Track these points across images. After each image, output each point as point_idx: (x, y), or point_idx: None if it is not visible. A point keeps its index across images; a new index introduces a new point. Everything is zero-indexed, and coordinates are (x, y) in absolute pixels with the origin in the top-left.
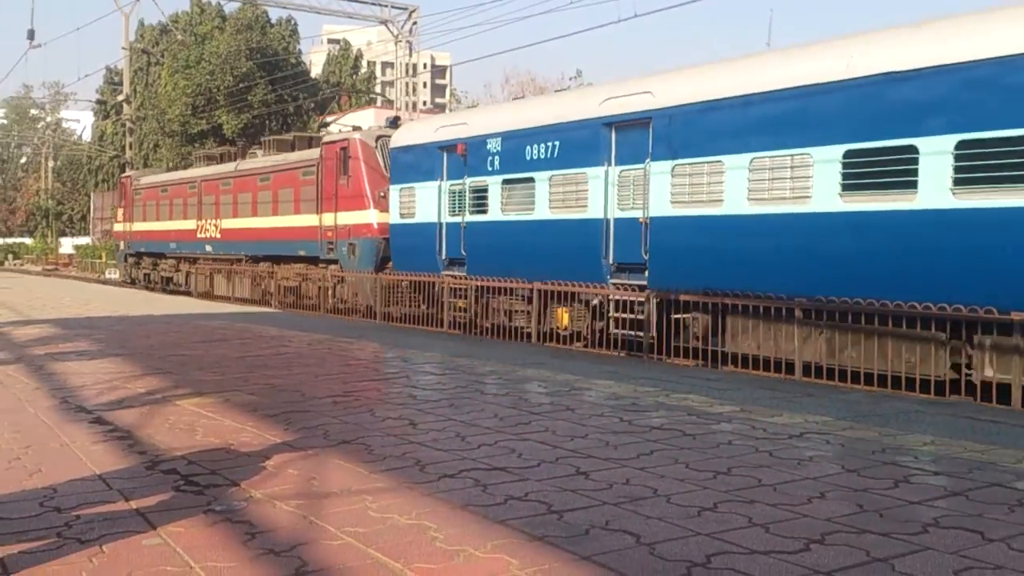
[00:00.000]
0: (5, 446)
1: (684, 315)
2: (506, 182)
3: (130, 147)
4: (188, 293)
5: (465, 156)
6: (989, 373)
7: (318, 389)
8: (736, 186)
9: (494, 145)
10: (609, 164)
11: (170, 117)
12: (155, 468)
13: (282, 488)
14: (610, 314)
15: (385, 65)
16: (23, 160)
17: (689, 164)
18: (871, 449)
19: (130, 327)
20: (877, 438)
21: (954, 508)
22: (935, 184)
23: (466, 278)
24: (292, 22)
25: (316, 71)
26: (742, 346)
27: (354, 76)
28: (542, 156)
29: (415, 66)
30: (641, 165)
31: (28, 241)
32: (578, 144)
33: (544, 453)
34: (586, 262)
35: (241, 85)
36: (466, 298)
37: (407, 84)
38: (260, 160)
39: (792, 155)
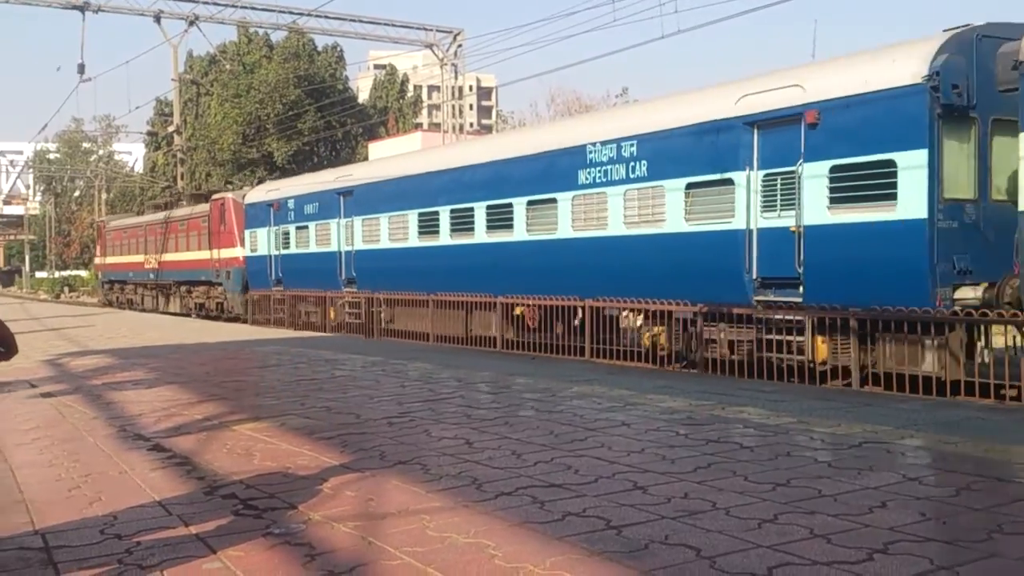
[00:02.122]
0: (65, 475)
1: (378, 308)
2: (297, 227)
3: (181, 177)
4: (145, 310)
5: (279, 210)
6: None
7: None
8: (384, 231)
9: (292, 204)
10: (340, 217)
11: (220, 147)
12: (214, 493)
13: (340, 510)
14: (346, 310)
15: (431, 88)
16: (76, 193)
17: (368, 218)
18: (931, 457)
19: (185, 355)
20: (936, 446)
21: (1018, 513)
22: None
23: (284, 291)
24: (338, 49)
25: (363, 96)
26: (401, 324)
27: (401, 100)
28: (313, 211)
29: (461, 89)
30: (349, 218)
31: (83, 274)
32: (328, 204)
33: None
34: (332, 278)
35: (290, 113)
36: (284, 304)
37: (453, 107)
38: (183, 209)
39: (397, 215)
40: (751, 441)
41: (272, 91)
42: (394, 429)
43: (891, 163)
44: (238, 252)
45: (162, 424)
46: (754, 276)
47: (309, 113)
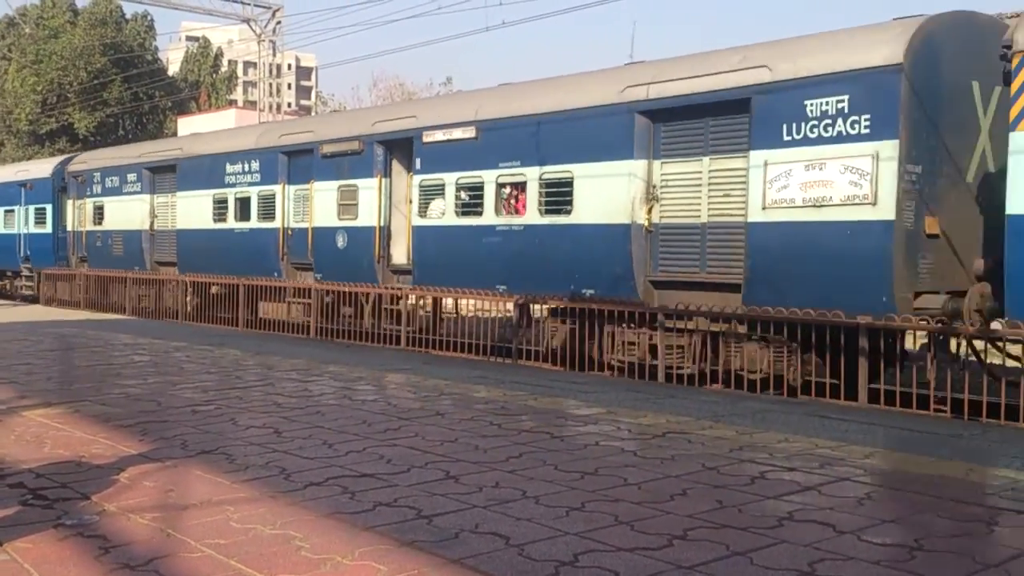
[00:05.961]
0: None
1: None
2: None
3: None
4: None
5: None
6: None
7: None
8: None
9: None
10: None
11: (16, 116)
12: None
13: (137, 501)
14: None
15: (248, 65)
16: None
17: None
18: (729, 447)
19: None
20: (735, 436)
21: (807, 503)
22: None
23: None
24: (148, 18)
25: (174, 69)
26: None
27: (214, 75)
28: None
29: (279, 67)
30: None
31: None
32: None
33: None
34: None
35: (95, 82)
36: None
37: (271, 85)
38: None
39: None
40: (561, 431)
41: (76, 58)
42: (198, 417)
43: (44, 209)
44: None
45: None
46: (23, 255)
47: (115, 83)
